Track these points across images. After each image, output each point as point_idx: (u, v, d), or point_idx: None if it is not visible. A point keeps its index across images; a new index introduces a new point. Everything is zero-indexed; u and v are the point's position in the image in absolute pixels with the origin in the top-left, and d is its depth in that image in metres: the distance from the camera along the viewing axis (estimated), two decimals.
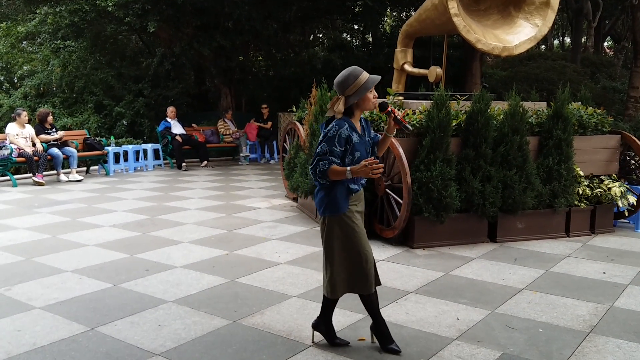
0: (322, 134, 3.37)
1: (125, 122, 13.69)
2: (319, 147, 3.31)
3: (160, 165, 12.71)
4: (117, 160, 11.76)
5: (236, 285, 4.71)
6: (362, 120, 3.54)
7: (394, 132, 3.58)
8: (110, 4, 12.10)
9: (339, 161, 3.30)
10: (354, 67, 3.41)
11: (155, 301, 4.33)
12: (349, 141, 3.33)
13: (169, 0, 11.93)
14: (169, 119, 12.69)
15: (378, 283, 3.63)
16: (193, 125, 13.51)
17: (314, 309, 4.17)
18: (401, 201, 5.74)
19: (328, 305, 3.63)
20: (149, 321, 3.96)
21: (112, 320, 3.96)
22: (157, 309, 4.17)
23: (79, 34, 14.18)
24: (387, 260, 5.46)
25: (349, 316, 4.07)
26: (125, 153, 11.93)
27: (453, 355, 3.49)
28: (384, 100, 3.37)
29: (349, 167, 3.24)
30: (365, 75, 3.37)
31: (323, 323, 3.65)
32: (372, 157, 3.28)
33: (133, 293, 4.51)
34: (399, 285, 4.74)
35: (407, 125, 3.52)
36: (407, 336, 3.74)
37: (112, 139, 11.99)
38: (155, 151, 12.60)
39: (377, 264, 5.30)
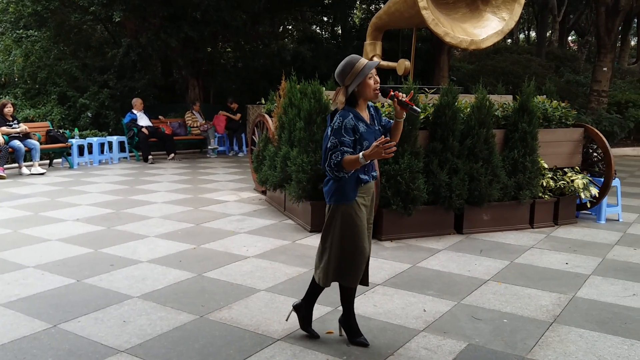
0: (328, 128, 3.32)
1: (89, 114, 13.40)
2: (329, 142, 3.25)
3: (126, 158, 12.49)
4: (81, 153, 11.51)
5: (203, 280, 4.66)
6: (372, 109, 3.47)
7: (403, 116, 3.41)
8: None
9: (351, 150, 3.23)
10: (351, 55, 3.35)
11: (120, 297, 4.26)
12: (355, 131, 3.27)
13: None
14: (135, 111, 12.47)
15: (365, 282, 3.61)
16: (160, 117, 13.31)
17: (283, 303, 4.16)
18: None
19: (315, 292, 3.63)
20: (113, 317, 3.89)
21: (75, 317, 3.88)
22: (122, 305, 4.10)
23: (42, 23, 13.79)
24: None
25: (316, 309, 4.06)
26: (90, 145, 11.69)
27: (420, 346, 3.52)
28: (386, 85, 3.24)
29: (361, 153, 3.15)
30: (363, 62, 3.29)
31: (304, 307, 3.65)
32: (383, 137, 3.12)
33: (97, 289, 4.43)
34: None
35: (415, 107, 3.29)
36: (374, 328, 3.76)
37: (76, 131, 11.73)
38: (121, 144, 12.37)
39: None
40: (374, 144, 3.09)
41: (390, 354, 3.42)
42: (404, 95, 3.32)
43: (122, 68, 14.31)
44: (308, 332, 3.65)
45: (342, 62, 3.31)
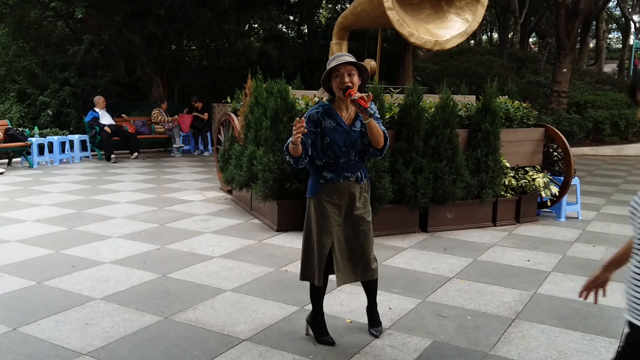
0: None
1: (50, 112, 13.09)
2: None
3: (88, 157, 12.24)
4: (41, 152, 11.23)
5: (168, 281, 4.60)
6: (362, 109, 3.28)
7: (367, 119, 3.19)
8: None
9: (304, 141, 3.19)
10: (336, 54, 3.35)
11: (82, 299, 4.17)
12: (317, 124, 3.28)
13: None
14: (97, 109, 12.22)
15: (324, 279, 3.51)
16: (123, 115, 13.08)
17: (249, 303, 4.14)
18: None
19: (312, 293, 3.58)
20: (75, 320, 3.81)
21: (35, 320, 3.79)
22: (84, 307, 4.02)
23: (0, 19, 13.39)
24: None
25: (283, 309, 4.06)
26: (51, 144, 11.41)
27: (385, 344, 3.55)
28: (347, 84, 3.23)
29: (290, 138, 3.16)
30: (339, 58, 3.24)
31: (312, 314, 3.62)
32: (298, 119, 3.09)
33: (58, 291, 4.33)
34: (333, 276, 4.76)
35: (366, 108, 3.13)
36: (341, 327, 3.78)
37: (36, 129, 11.44)
38: (83, 142, 12.12)
39: None
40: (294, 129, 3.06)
41: (357, 352, 3.44)
42: (358, 94, 3.16)
43: (83, 65, 14.01)
44: (322, 341, 3.52)
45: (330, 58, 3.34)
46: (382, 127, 3.35)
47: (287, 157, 3.30)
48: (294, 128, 3.07)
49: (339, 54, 3.31)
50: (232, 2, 15.18)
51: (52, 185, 8.80)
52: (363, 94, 3.18)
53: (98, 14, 13.38)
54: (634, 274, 1.99)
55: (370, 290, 3.68)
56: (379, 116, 3.40)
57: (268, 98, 6.45)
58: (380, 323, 3.74)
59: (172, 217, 6.80)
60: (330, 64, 3.26)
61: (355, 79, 3.27)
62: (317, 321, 3.60)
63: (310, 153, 3.29)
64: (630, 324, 1.98)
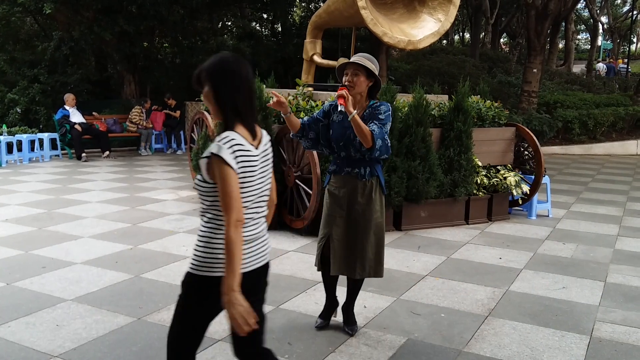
0: None
1: (19, 110, 12.80)
2: None
3: (58, 155, 12.01)
4: (10, 151, 10.98)
5: (141, 281, 4.55)
6: (370, 108, 3.45)
7: (350, 113, 3.24)
8: None
9: (306, 120, 3.57)
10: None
11: (53, 300, 4.10)
12: (326, 115, 3.55)
13: None
14: (67, 107, 12.00)
15: (333, 270, 3.60)
16: (94, 113, 12.87)
17: None
18: (310, 192, 5.78)
19: (323, 280, 3.78)
20: (46, 321, 3.74)
21: (5, 322, 3.71)
22: (55, 308, 3.95)
23: None
24: (296, 251, 5.48)
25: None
26: (19, 143, 11.17)
27: (360, 343, 3.57)
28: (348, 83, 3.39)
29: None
30: (353, 58, 3.44)
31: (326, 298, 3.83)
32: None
33: (28, 292, 4.25)
34: (308, 275, 4.78)
35: (343, 107, 3.24)
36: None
37: (4, 127, 11.19)
38: (53, 141, 11.89)
39: (286, 254, 5.33)
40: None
41: (332, 350, 3.45)
42: (343, 92, 3.27)
43: (53, 62, 13.74)
44: (318, 321, 3.78)
45: None
46: (377, 128, 3.32)
47: (290, 134, 3.63)
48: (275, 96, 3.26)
49: (359, 54, 3.47)
50: None
51: (22, 184, 8.62)
52: (344, 94, 3.24)
53: (68, 10, 13.13)
54: (200, 232, 2.32)
55: (354, 289, 3.74)
56: (383, 117, 3.39)
57: None
58: (356, 322, 3.77)
59: (145, 216, 6.72)
60: (340, 64, 3.49)
61: (361, 79, 3.38)
62: (325, 305, 3.82)
63: (312, 136, 3.56)
64: (187, 273, 2.31)
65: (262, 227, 2.38)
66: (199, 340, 2.44)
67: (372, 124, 3.35)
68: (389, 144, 3.42)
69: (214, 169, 2.16)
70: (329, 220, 3.57)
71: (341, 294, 3.85)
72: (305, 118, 3.60)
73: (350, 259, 3.55)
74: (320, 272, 3.75)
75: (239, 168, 2.17)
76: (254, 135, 2.30)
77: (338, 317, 3.89)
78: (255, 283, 2.35)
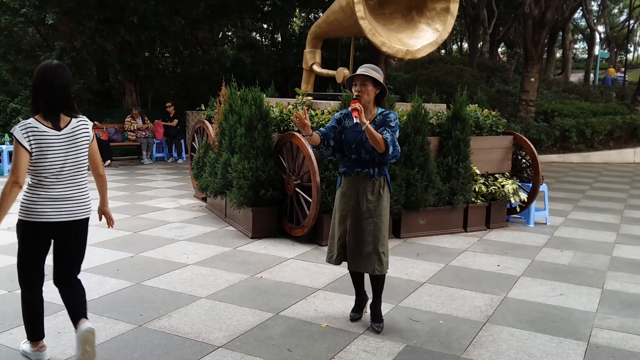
0: None
1: (21, 119, 12.87)
2: None
3: None
4: (11, 160, 11.03)
5: (142, 289, 4.59)
6: (380, 116, 3.76)
7: (363, 124, 3.55)
8: None
9: (324, 130, 3.85)
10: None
11: (54, 307, 4.13)
12: (339, 122, 3.84)
13: None
14: None
15: (350, 266, 3.94)
16: (95, 122, 12.93)
17: (223, 310, 4.16)
18: (310, 200, 5.83)
19: (353, 280, 4.08)
20: (47, 328, 3.76)
21: (7, 329, 3.75)
22: (57, 316, 3.99)
23: None
24: (296, 258, 5.52)
25: (258, 315, 4.09)
26: None
27: (360, 349, 3.60)
28: (358, 93, 3.72)
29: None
30: (360, 69, 3.71)
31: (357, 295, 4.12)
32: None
33: None
34: (308, 282, 4.82)
35: (357, 118, 3.54)
36: (315, 332, 3.82)
37: (7, 137, 11.25)
38: None
39: (285, 262, 5.37)
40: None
41: (331, 357, 3.48)
42: (356, 105, 3.59)
43: None
44: (351, 314, 4.08)
45: None
46: (389, 136, 3.64)
47: (316, 148, 3.90)
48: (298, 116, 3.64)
49: (363, 66, 3.74)
50: (205, 9, 15.16)
51: (22, 193, 8.64)
52: (358, 107, 3.57)
53: (70, 20, 13.25)
54: (25, 191, 3.29)
55: (376, 285, 3.95)
56: (393, 125, 3.72)
57: (242, 105, 6.48)
58: (382, 319, 3.95)
59: (146, 224, 6.77)
60: (348, 76, 3.84)
61: (369, 88, 3.70)
62: (355, 300, 4.12)
63: (333, 145, 3.83)
64: (19, 220, 3.32)
65: (69, 191, 3.27)
66: (34, 272, 3.49)
67: (385, 131, 3.67)
68: (399, 149, 3.75)
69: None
70: (341, 218, 3.86)
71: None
72: (322, 129, 3.87)
73: (365, 256, 3.80)
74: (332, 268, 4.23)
75: (31, 144, 3.11)
76: (55, 122, 3.17)
77: (337, 324, 3.93)
78: (61, 231, 3.32)
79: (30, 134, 3.09)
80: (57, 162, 3.18)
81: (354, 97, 3.72)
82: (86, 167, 3.33)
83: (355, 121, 3.54)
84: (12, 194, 3.22)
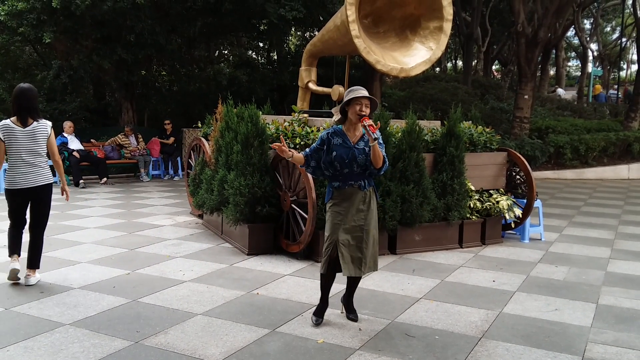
0: None
1: None
2: None
3: (56, 182, 12.04)
4: None
5: (138, 305, 4.59)
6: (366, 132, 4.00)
7: (373, 142, 3.92)
8: (2, 13, 11.44)
9: (308, 151, 4.19)
10: (358, 86, 4.15)
11: (51, 324, 4.14)
12: (324, 142, 4.11)
13: (66, 11, 11.45)
14: (65, 134, 12.12)
15: (332, 271, 4.23)
16: (92, 140, 12.99)
17: (220, 326, 4.17)
18: (306, 216, 5.86)
19: (320, 282, 4.32)
20: (44, 345, 3.78)
21: (3, 346, 3.74)
22: (54, 333, 3.99)
23: None
24: (292, 275, 5.54)
25: (254, 331, 4.10)
26: None
27: None
28: (364, 113, 4.03)
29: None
30: (358, 91, 4.03)
31: (320, 299, 4.36)
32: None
33: (26, 317, 4.28)
34: (304, 299, 4.84)
35: (372, 133, 3.86)
36: (312, 348, 3.83)
37: None
38: (51, 167, 11.90)
39: (282, 278, 5.39)
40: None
41: None
42: (370, 121, 3.91)
43: (52, 90, 13.92)
44: (312, 318, 4.31)
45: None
46: (384, 152, 4.07)
47: (300, 165, 4.26)
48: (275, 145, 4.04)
49: (358, 88, 4.08)
50: (202, 28, 15.33)
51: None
52: (372, 122, 3.92)
53: (67, 39, 13.35)
54: (6, 170, 4.88)
55: (353, 284, 4.36)
56: (382, 142, 4.08)
57: (239, 123, 6.54)
58: (355, 310, 4.41)
59: (142, 241, 6.78)
60: (351, 94, 4.01)
61: (369, 110, 4.05)
62: (319, 306, 4.33)
63: (314, 164, 4.17)
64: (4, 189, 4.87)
65: (30, 168, 4.98)
66: (16, 220, 5.12)
67: (382, 148, 4.05)
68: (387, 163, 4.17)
69: None
70: (334, 229, 4.11)
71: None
72: (307, 150, 4.21)
73: (362, 259, 4.13)
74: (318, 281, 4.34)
75: (4, 136, 4.88)
76: (23, 122, 4.95)
77: (333, 340, 3.94)
78: (30, 194, 5.01)
79: (3, 129, 4.93)
80: (21, 149, 4.96)
81: (361, 115, 4.00)
82: (44, 153, 5.09)
83: (374, 136, 3.86)
84: None
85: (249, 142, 6.24)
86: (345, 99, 4.06)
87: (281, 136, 4.50)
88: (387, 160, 4.11)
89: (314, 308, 4.41)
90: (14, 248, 5.13)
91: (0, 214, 8.19)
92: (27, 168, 4.97)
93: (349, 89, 4.11)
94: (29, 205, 5.09)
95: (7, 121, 4.96)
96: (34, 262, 5.10)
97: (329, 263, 4.18)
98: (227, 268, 5.74)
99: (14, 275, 5.02)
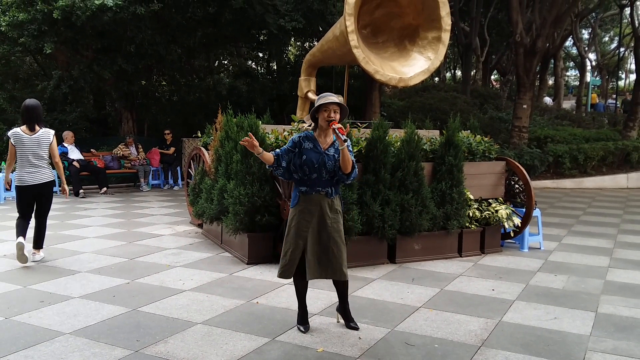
0: None
1: None
2: None
3: (56, 192, 12.06)
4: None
5: (138, 315, 4.60)
6: (337, 138, 4.09)
7: (343, 145, 4.02)
8: (3, 24, 11.51)
9: (278, 151, 4.19)
10: (327, 92, 4.23)
11: (52, 333, 4.15)
12: (296, 145, 4.16)
13: (67, 21, 11.52)
14: (66, 144, 12.16)
15: (330, 275, 4.25)
16: (92, 150, 13.02)
17: (220, 335, 4.17)
18: None
19: (295, 290, 4.40)
20: (44, 354, 3.78)
21: (4, 355, 3.75)
22: (54, 342, 4.00)
23: None
24: (292, 284, 5.51)
25: (254, 340, 4.11)
26: None
27: None
28: (332, 118, 4.11)
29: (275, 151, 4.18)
30: (327, 98, 4.09)
31: (298, 308, 4.41)
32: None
33: (27, 326, 4.29)
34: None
35: (341, 135, 3.95)
36: (311, 357, 3.84)
37: (3, 164, 11.30)
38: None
39: (281, 287, 5.40)
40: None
41: None
42: (339, 125, 4.01)
43: (52, 101, 13.96)
44: (298, 327, 4.34)
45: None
46: (353, 157, 4.15)
47: (267, 166, 4.22)
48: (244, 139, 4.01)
49: (328, 94, 4.14)
50: (202, 38, 15.40)
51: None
52: (341, 125, 4.00)
53: (68, 50, 13.42)
54: (16, 169, 6.11)
55: (341, 291, 4.38)
56: (351, 149, 4.19)
57: (238, 132, 6.57)
58: (353, 319, 4.41)
59: (142, 251, 6.79)
60: (320, 101, 4.08)
61: (338, 116, 4.12)
62: (301, 311, 4.39)
63: (284, 165, 4.17)
64: (15, 185, 6.16)
65: (35, 168, 6.03)
66: (23, 211, 6.16)
67: (350, 154, 4.13)
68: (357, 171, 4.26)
69: None
70: (298, 234, 4.16)
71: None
72: (277, 150, 4.23)
73: (328, 264, 4.19)
74: (291, 285, 4.41)
75: (14, 142, 5.99)
76: (31, 129, 6.03)
77: (333, 348, 3.94)
78: (34, 190, 6.05)
79: (14, 136, 6.06)
80: (27, 153, 6.05)
81: (329, 120, 4.08)
82: (47, 156, 6.18)
83: (343, 138, 3.94)
84: (9, 168, 6.19)
85: (248, 151, 6.25)
86: (315, 105, 4.13)
87: (249, 132, 4.51)
88: (356, 166, 4.18)
89: (299, 318, 4.39)
90: (20, 231, 6.05)
91: (1, 224, 8.18)
92: (32, 168, 6.05)
93: (319, 95, 4.17)
94: (35, 198, 6.15)
95: (17, 129, 6.08)
96: (38, 244, 6.23)
97: (293, 267, 4.21)
98: (227, 277, 5.75)
99: (21, 247, 5.91)
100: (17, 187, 6.08)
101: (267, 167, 4.26)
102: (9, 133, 6.07)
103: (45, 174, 6.12)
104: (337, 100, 4.10)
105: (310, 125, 4.28)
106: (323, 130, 4.18)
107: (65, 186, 6.48)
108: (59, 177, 6.52)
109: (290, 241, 4.18)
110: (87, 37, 12.87)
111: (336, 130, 3.95)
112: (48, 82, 14.11)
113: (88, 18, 11.26)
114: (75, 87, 14.01)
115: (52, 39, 11.90)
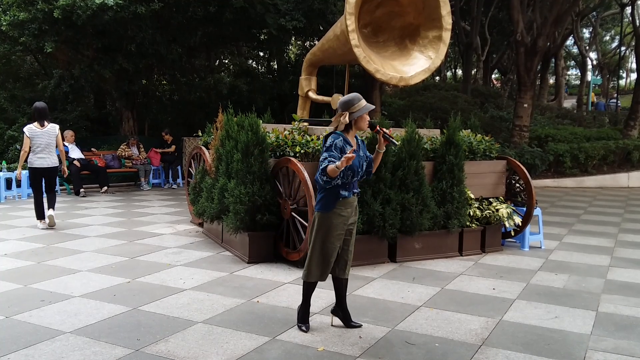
0: (323, 148, 4.11)
1: (18, 147, 12.94)
2: (322, 157, 4.03)
3: (57, 191, 12.07)
4: (9, 187, 11.07)
5: (139, 314, 4.60)
6: (358, 139, 4.24)
7: (384, 149, 4.27)
8: (4, 23, 11.51)
9: (333, 161, 3.98)
10: (356, 93, 4.17)
11: (52, 332, 4.15)
12: (342, 150, 4.03)
13: (67, 21, 11.52)
14: (66, 143, 12.12)
15: (341, 273, 4.33)
16: (93, 149, 13.02)
17: (220, 334, 4.18)
18: (306, 224, 5.88)
19: (306, 290, 4.32)
20: (45, 353, 3.79)
21: (4, 354, 3.75)
22: (54, 341, 4.00)
23: None
24: (292, 283, 5.54)
25: (254, 339, 4.11)
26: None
27: None
28: (373, 120, 4.23)
29: (337, 162, 3.91)
30: (364, 101, 4.12)
31: (302, 305, 4.36)
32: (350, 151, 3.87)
33: (27, 325, 4.29)
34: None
35: (394, 140, 4.18)
36: (312, 356, 3.84)
37: (4, 164, 11.30)
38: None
39: (282, 286, 5.40)
40: (345, 156, 3.81)
41: None
42: (388, 129, 4.20)
43: (53, 100, 13.95)
44: (300, 326, 4.31)
45: (351, 95, 4.11)
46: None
47: (322, 177, 3.99)
48: (346, 156, 3.77)
49: (357, 95, 4.12)
50: (202, 38, 15.38)
51: (20, 219, 8.69)
52: (390, 130, 4.20)
53: (68, 49, 13.41)
54: (29, 154, 8.01)
55: (343, 289, 4.38)
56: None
57: (239, 131, 6.57)
58: (351, 317, 4.42)
59: (143, 250, 6.79)
60: (363, 104, 4.07)
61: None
62: (305, 311, 4.35)
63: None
64: (29, 168, 8.05)
65: (45, 154, 7.94)
66: (37, 189, 8.08)
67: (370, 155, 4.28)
68: None
69: None
70: (338, 237, 4.16)
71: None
72: (330, 159, 4.00)
73: (345, 263, 4.29)
74: (304, 289, 4.36)
75: (30, 135, 7.86)
76: (41, 124, 7.97)
77: (334, 347, 3.94)
78: (44, 172, 8.03)
79: (29, 130, 7.87)
80: (39, 143, 7.88)
81: (370, 124, 4.19)
82: (54, 146, 8.03)
83: (397, 142, 4.23)
84: (23, 155, 7.94)
85: (249, 150, 6.26)
86: (358, 109, 4.06)
87: (346, 158, 3.84)
88: None
89: (301, 317, 4.37)
90: (40, 213, 8.00)
91: (2, 235, 8.18)
92: (43, 154, 7.90)
93: (350, 97, 4.10)
94: (43, 177, 8.06)
95: (31, 125, 7.95)
96: (51, 205, 8.09)
97: (328, 269, 4.23)
98: (228, 276, 5.75)
99: (50, 217, 7.95)
100: (30, 169, 7.94)
101: (325, 180, 4.00)
102: (25, 129, 7.87)
103: (52, 161, 8.01)
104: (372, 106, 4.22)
105: (338, 127, 4.15)
106: (352, 132, 4.17)
107: (65, 167, 8.48)
108: (60, 162, 8.25)
109: (330, 246, 4.15)
110: (88, 36, 12.87)
111: (387, 135, 4.16)
112: (49, 81, 14.10)
113: (89, 17, 11.26)
114: (76, 86, 14.01)
115: (52, 38, 11.90)
